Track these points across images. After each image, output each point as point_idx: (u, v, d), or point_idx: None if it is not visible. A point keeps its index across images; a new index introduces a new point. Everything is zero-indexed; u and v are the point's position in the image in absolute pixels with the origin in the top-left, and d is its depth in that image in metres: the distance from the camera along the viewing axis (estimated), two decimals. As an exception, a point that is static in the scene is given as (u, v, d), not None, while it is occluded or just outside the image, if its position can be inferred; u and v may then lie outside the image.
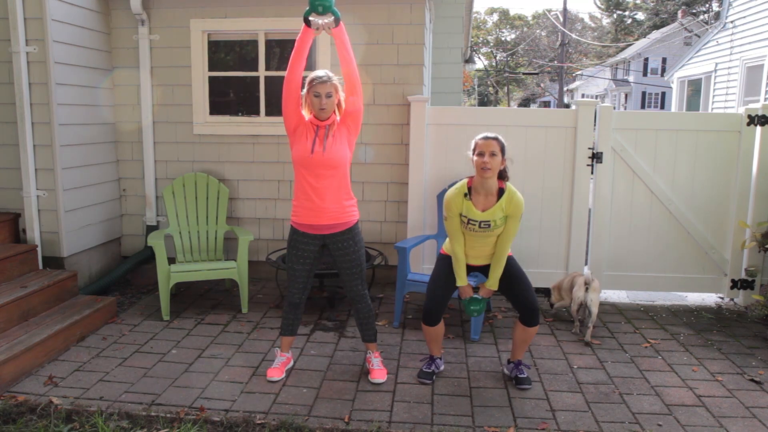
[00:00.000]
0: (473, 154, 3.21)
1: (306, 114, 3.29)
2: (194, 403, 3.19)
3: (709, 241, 4.95)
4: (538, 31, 50.56)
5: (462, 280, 3.38)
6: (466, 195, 3.24)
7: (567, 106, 37.01)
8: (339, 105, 3.29)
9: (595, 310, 4.09)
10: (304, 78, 3.27)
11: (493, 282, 3.36)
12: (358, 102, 3.26)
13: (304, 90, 3.25)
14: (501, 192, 3.22)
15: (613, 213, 4.96)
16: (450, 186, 4.66)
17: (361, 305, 3.50)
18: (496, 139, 3.18)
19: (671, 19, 39.23)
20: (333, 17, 3.07)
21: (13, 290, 4.00)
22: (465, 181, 3.30)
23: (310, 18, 3.09)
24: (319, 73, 3.20)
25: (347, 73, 3.22)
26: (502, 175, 3.25)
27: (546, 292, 4.78)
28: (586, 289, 4.14)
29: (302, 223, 3.32)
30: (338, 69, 5.04)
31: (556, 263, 5.00)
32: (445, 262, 3.43)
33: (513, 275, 3.36)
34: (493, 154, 3.13)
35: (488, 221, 3.20)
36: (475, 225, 3.22)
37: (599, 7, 50.83)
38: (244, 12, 5.14)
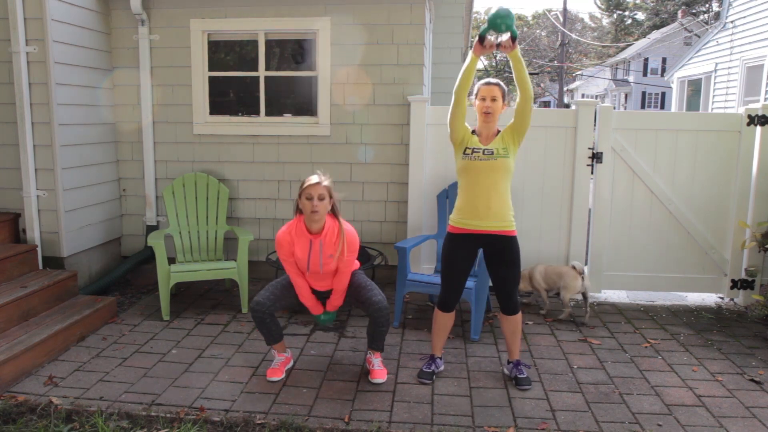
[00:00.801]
0: (475, 98, 3.31)
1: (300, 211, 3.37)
2: (194, 403, 3.19)
3: (709, 241, 4.95)
4: (538, 31, 50.54)
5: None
6: (472, 132, 3.37)
7: (567, 106, 36.99)
8: (333, 210, 3.35)
9: (588, 294, 4.54)
10: None
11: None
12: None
13: (299, 195, 3.30)
14: (498, 132, 3.36)
15: (613, 213, 4.96)
16: (450, 186, 4.71)
17: (380, 318, 3.38)
18: (498, 84, 3.29)
19: (671, 19, 39.22)
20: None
21: (13, 290, 4.00)
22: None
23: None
24: (313, 179, 3.27)
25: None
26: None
27: None
28: (582, 278, 4.43)
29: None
30: (338, 69, 5.12)
31: (557, 263, 4.98)
32: (453, 240, 3.37)
33: (512, 256, 3.33)
34: (494, 99, 3.24)
35: (491, 149, 3.29)
36: (479, 153, 3.28)
37: (599, 7, 50.81)
38: (244, 12, 5.14)
